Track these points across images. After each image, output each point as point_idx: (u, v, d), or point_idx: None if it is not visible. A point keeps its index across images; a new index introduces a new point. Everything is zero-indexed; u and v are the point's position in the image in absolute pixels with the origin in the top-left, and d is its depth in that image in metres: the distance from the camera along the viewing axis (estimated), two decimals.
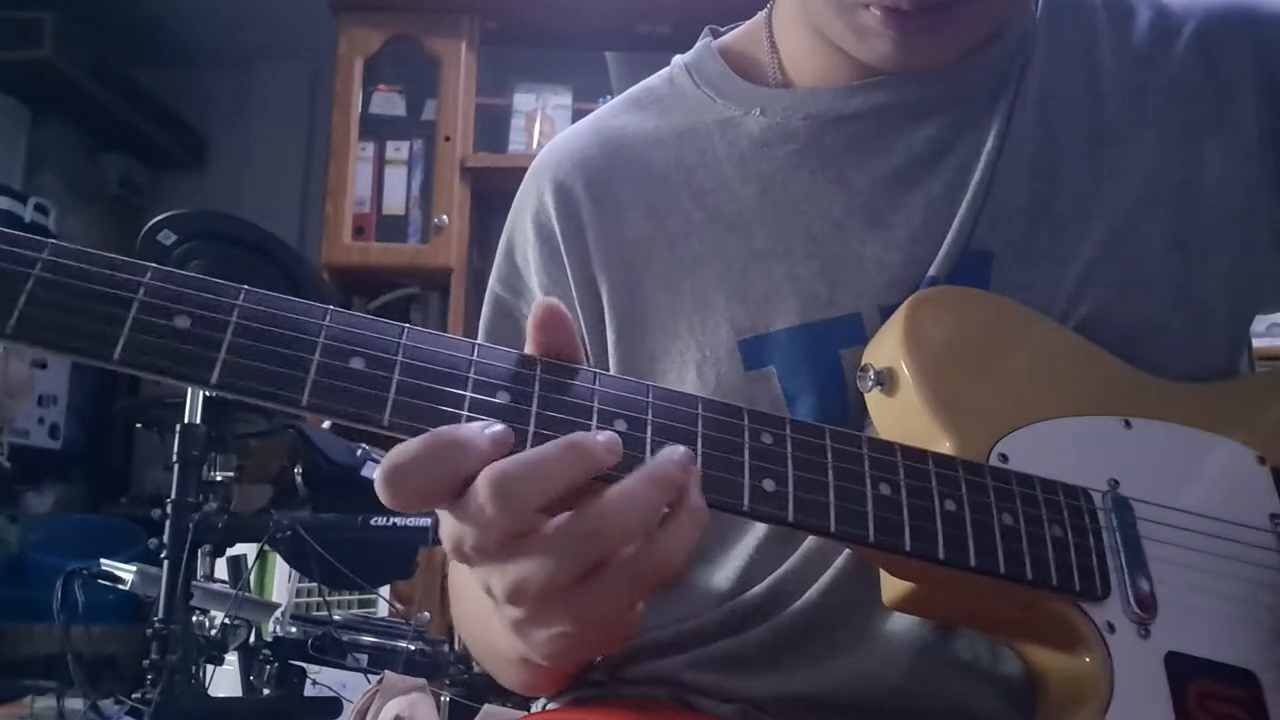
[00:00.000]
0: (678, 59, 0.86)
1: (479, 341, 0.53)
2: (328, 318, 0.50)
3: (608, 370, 0.79)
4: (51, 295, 0.47)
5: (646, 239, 0.79)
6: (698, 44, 0.86)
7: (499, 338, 0.85)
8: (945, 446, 0.62)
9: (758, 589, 0.72)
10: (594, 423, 0.52)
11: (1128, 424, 0.67)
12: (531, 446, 0.51)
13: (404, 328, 0.51)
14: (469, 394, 0.51)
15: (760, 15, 0.85)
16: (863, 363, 0.68)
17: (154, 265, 0.49)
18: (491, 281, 0.87)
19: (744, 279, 0.75)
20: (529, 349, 0.54)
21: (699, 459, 0.53)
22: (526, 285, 0.84)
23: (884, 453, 0.58)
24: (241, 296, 0.49)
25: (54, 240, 0.48)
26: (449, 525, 0.50)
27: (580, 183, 0.81)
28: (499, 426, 0.49)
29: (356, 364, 0.50)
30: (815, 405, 0.71)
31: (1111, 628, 0.59)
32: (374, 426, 0.49)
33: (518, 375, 0.52)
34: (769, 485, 0.54)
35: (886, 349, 0.67)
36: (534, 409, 0.52)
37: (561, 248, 0.80)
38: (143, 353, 0.47)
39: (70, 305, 0.47)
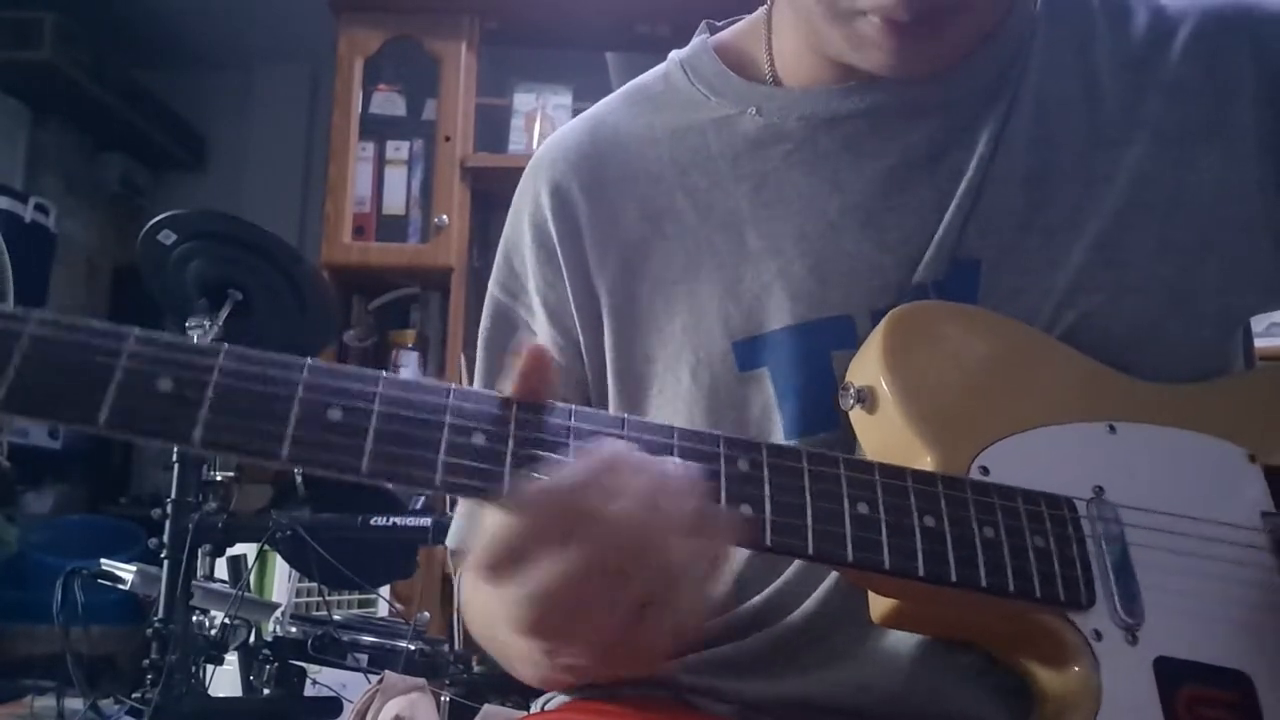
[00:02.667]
0: (674, 55, 0.86)
1: (453, 385, 0.54)
2: (305, 371, 0.51)
3: (603, 375, 0.79)
4: (36, 366, 0.48)
5: (642, 240, 0.79)
6: (694, 40, 0.86)
7: (497, 343, 0.86)
8: (926, 461, 0.62)
9: (756, 599, 0.72)
10: (571, 459, 0.53)
11: (1112, 429, 0.67)
12: (509, 484, 0.52)
13: (380, 376, 0.52)
14: (445, 438, 0.52)
15: (760, 11, 0.84)
16: (844, 381, 0.68)
17: (136, 330, 0.50)
18: (491, 285, 0.87)
19: (737, 279, 0.75)
20: (509, 389, 0.55)
21: None
22: (524, 287, 0.84)
23: (862, 472, 0.58)
24: (221, 356, 0.50)
25: (37, 313, 0.49)
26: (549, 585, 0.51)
27: (576, 184, 0.81)
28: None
29: (334, 415, 0.51)
30: (806, 406, 0.72)
31: (1099, 635, 0.59)
32: (353, 475, 0.51)
33: (493, 416, 0.53)
34: (746, 511, 0.55)
35: (866, 367, 0.67)
36: (510, 449, 0.53)
37: (558, 250, 0.80)
38: (127, 418, 0.48)
39: (56, 376, 0.48)
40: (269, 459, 0.50)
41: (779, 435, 0.72)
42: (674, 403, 0.76)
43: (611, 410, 0.79)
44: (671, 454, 0.55)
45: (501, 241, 0.87)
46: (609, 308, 0.79)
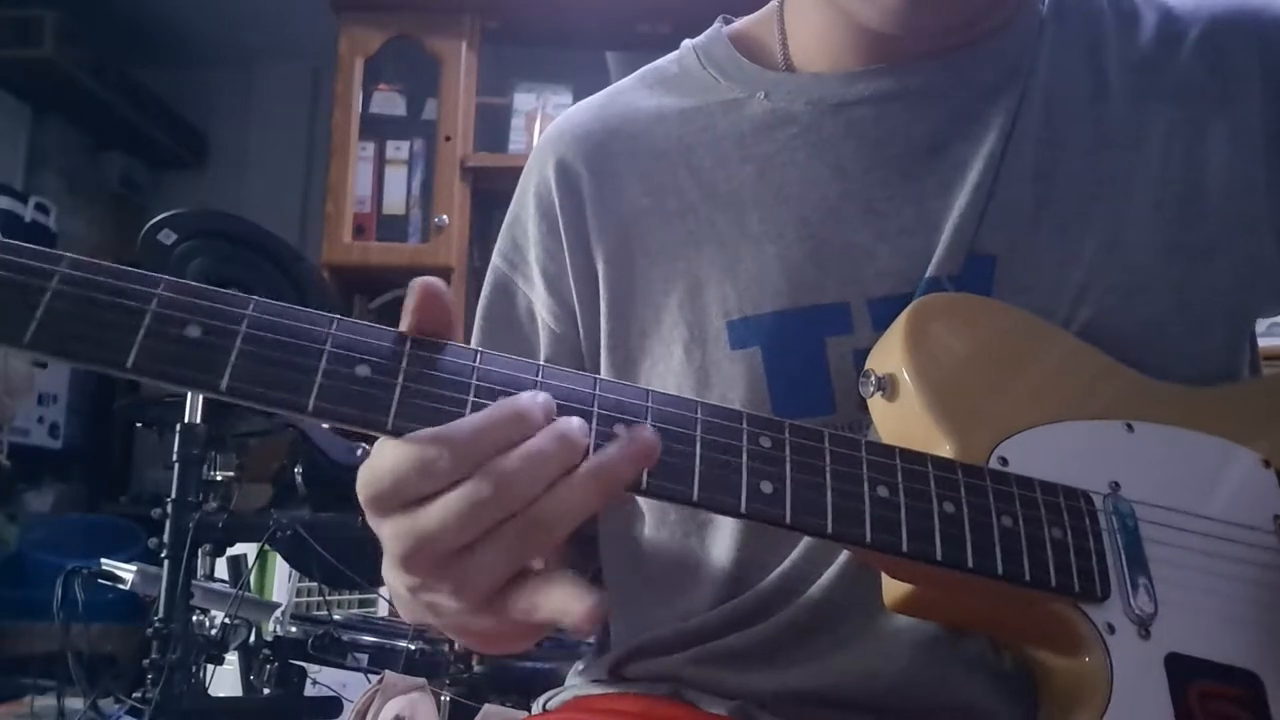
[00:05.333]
0: (688, 42, 0.87)
1: (479, 349, 0.54)
2: (334, 325, 0.51)
3: (599, 346, 0.79)
4: (67, 306, 0.48)
5: (643, 214, 0.79)
6: (710, 29, 0.86)
7: (494, 311, 0.86)
8: (945, 451, 0.62)
9: (760, 586, 0.72)
10: (594, 427, 0.53)
11: (1130, 428, 0.67)
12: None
13: (409, 337, 0.53)
14: (470, 399, 0.52)
15: (774, 2, 0.85)
16: (865, 368, 0.68)
17: (167, 277, 0.50)
18: (494, 255, 0.88)
19: (735, 259, 0.75)
20: (404, 325, 0.54)
21: (698, 461, 0.54)
22: (525, 259, 0.85)
23: (883, 455, 0.58)
24: (251, 306, 0.51)
25: (71, 254, 0.50)
26: (421, 525, 0.51)
27: (582, 158, 0.82)
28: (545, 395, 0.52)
29: (362, 370, 0.51)
30: (797, 390, 0.72)
31: (1111, 628, 0.59)
32: (378, 430, 0.51)
33: (521, 381, 0.53)
34: (766, 487, 0.55)
35: (888, 356, 0.67)
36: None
37: (560, 222, 0.81)
38: (154, 360, 0.49)
39: (85, 316, 0.48)
40: (294, 410, 0.50)
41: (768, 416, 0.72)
42: (665, 377, 0.76)
43: None
44: (695, 429, 0.55)
45: (507, 214, 0.88)
46: (606, 279, 0.79)
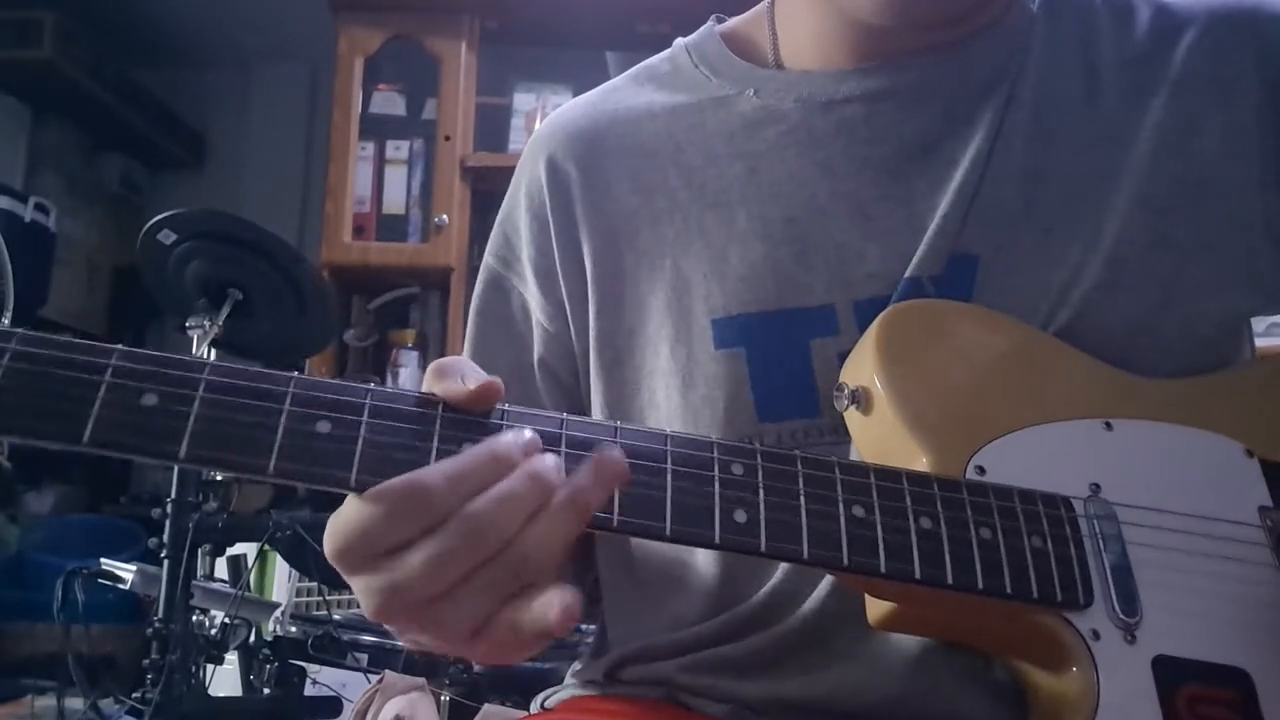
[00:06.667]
0: (679, 40, 0.87)
1: (437, 395, 0.53)
2: (292, 385, 0.51)
3: (588, 345, 0.79)
4: (20, 384, 0.48)
5: (632, 212, 0.79)
6: (702, 27, 0.87)
7: (488, 309, 0.86)
8: (922, 462, 0.61)
9: (754, 599, 0.72)
10: (562, 464, 0.52)
11: (1108, 426, 0.66)
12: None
13: (369, 389, 0.52)
14: (435, 446, 0.51)
15: (764, 2, 0.85)
16: (838, 381, 0.67)
17: (119, 347, 0.50)
18: (486, 255, 0.88)
19: (723, 258, 0.75)
20: (450, 397, 0.53)
21: (669, 492, 0.54)
22: (517, 256, 0.84)
23: (857, 475, 0.58)
24: (207, 370, 0.50)
25: (21, 330, 0.49)
26: (395, 578, 0.50)
27: (572, 156, 0.82)
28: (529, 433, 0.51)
29: (323, 427, 0.50)
30: (780, 391, 0.72)
31: (1096, 635, 0.59)
32: (342, 488, 0.50)
33: (481, 425, 0.53)
34: (740, 516, 0.54)
35: (860, 368, 0.66)
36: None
37: (550, 219, 0.81)
38: (112, 433, 0.48)
39: (39, 393, 0.48)
40: (256, 473, 0.49)
41: (752, 417, 0.72)
42: (652, 376, 0.76)
43: (594, 381, 0.79)
44: (665, 461, 0.54)
45: (499, 214, 0.88)
46: (595, 278, 0.79)
